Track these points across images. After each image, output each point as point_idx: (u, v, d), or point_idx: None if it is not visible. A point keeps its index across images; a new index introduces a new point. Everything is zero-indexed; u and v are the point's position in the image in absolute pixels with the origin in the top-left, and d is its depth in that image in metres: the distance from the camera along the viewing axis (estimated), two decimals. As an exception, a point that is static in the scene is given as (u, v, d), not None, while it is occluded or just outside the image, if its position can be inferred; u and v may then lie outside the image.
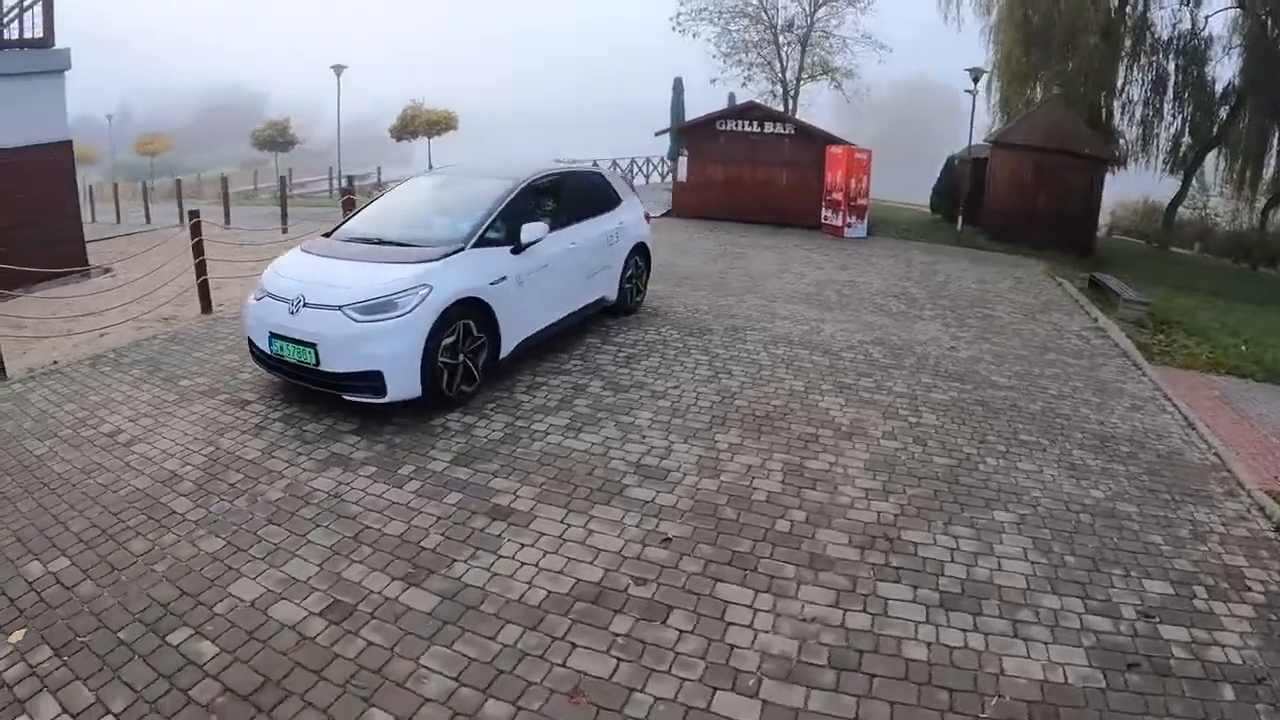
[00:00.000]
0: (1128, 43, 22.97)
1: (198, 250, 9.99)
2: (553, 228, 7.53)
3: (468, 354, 6.38)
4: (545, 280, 7.29)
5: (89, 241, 14.59)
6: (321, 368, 5.97)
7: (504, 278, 6.63)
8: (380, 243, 6.85)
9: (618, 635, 3.86)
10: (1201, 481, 5.99)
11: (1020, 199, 18.47)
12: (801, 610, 4.10)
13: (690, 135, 20.00)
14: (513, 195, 7.31)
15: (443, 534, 4.69)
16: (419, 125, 24.67)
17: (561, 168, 8.69)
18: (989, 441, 6.29)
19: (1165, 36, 23.06)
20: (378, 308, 5.85)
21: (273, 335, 6.20)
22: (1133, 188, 26.05)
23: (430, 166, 23.44)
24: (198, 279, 9.76)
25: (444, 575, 4.30)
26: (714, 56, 25.78)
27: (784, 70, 25.99)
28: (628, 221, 9.19)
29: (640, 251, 9.52)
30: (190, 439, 5.99)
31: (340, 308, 5.92)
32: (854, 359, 8.14)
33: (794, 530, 4.86)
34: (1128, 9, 22.76)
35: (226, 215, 19.91)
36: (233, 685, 3.53)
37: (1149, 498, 5.62)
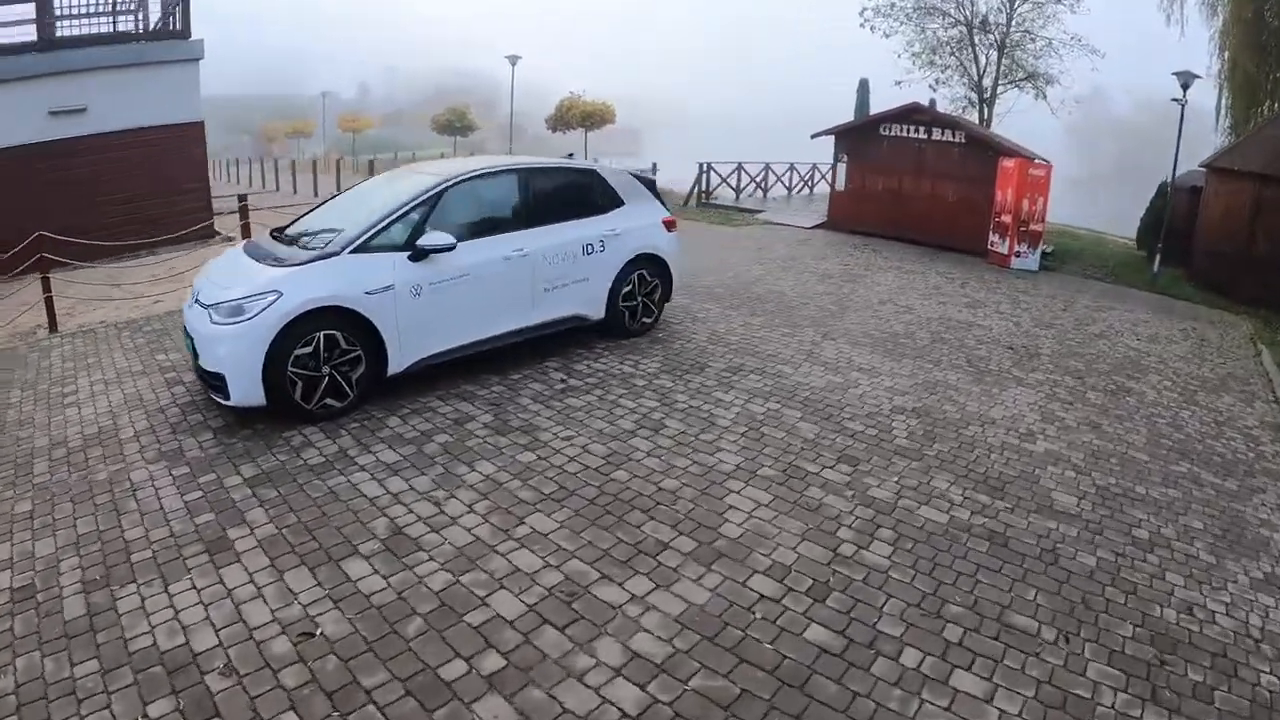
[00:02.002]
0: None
1: (244, 232, 9.79)
2: (496, 231, 6.38)
3: (336, 367, 5.45)
4: (466, 292, 6.02)
5: (254, 209, 15.52)
6: (199, 363, 5.53)
7: (389, 287, 5.56)
8: (292, 242, 6.11)
9: None
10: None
11: (1234, 239, 13.54)
12: None
13: (850, 140, 16.87)
14: (424, 197, 6.00)
15: (152, 553, 4.01)
16: (573, 117, 23.78)
17: (522, 164, 6.92)
18: (943, 631, 3.53)
19: None
20: (231, 311, 5.26)
21: (185, 328, 5.97)
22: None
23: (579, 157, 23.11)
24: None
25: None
26: (899, 56, 22.39)
27: (980, 74, 21.77)
28: (628, 228, 7.20)
29: (649, 264, 7.43)
30: (104, 411, 5.96)
31: (209, 308, 5.44)
32: (858, 432, 5.56)
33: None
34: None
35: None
36: None
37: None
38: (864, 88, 20.74)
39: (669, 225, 7.79)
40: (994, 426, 5.98)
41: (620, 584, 3.71)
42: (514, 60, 26.55)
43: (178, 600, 3.61)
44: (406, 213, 5.88)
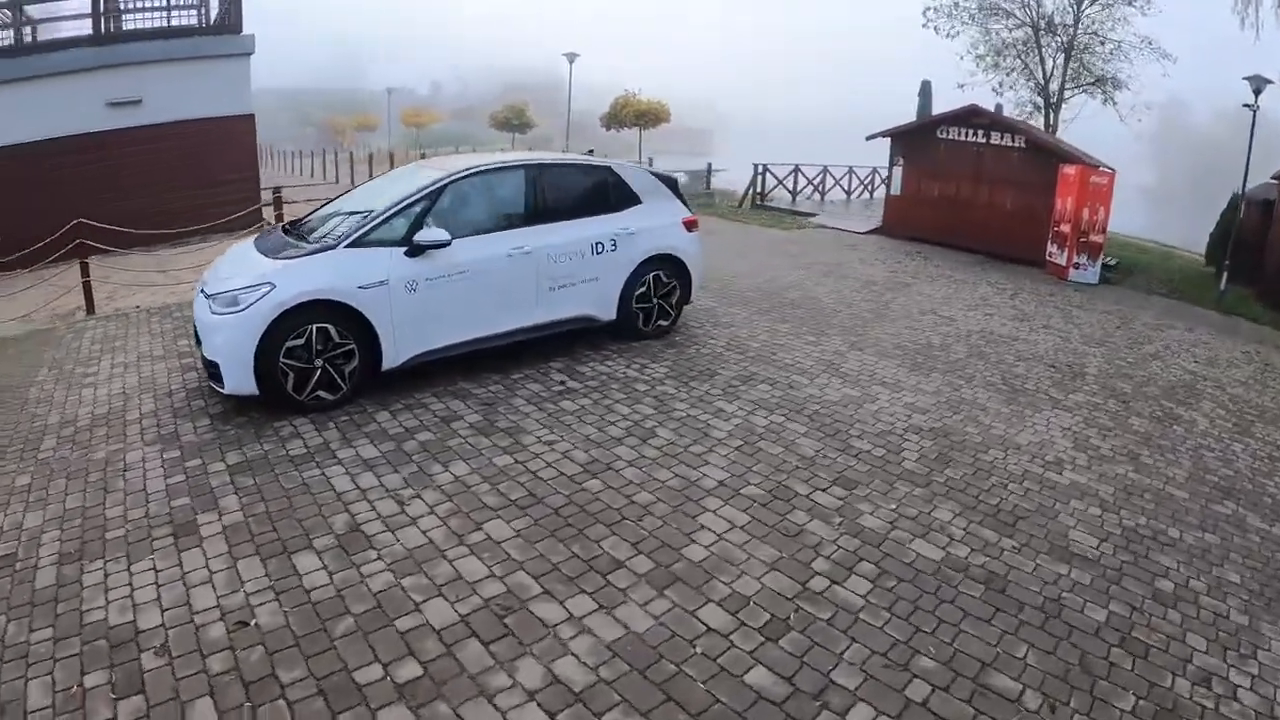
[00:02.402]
0: None
1: (277, 223, 9.89)
2: (499, 228, 6.23)
3: (329, 360, 5.40)
4: (465, 288, 5.88)
5: (289, 202, 15.82)
6: (201, 351, 5.65)
7: (383, 282, 5.47)
8: (300, 236, 6.06)
9: None
10: None
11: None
12: None
13: (906, 142, 15.96)
14: (424, 193, 5.87)
15: (125, 532, 4.07)
16: (628, 116, 23.29)
17: (531, 160, 6.71)
18: (906, 688, 3.09)
19: None
20: (227, 302, 5.28)
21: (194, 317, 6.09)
22: None
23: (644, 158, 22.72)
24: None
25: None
26: (962, 58, 21.14)
27: (1047, 78, 20.31)
28: (644, 227, 6.91)
29: (667, 264, 7.12)
30: (118, 393, 6.10)
31: (210, 298, 5.47)
32: (863, 452, 5.10)
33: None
34: None
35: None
36: None
37: None
38: (926, 90, 19.75)
39: (690, 225, 7.45)
40: (1018, 452, 5.41)
41: (561, 602, 3.44)
42: (572, 58, 26.36)
43: (136, 579, 3.65)
44: (405, 208, 5.77)
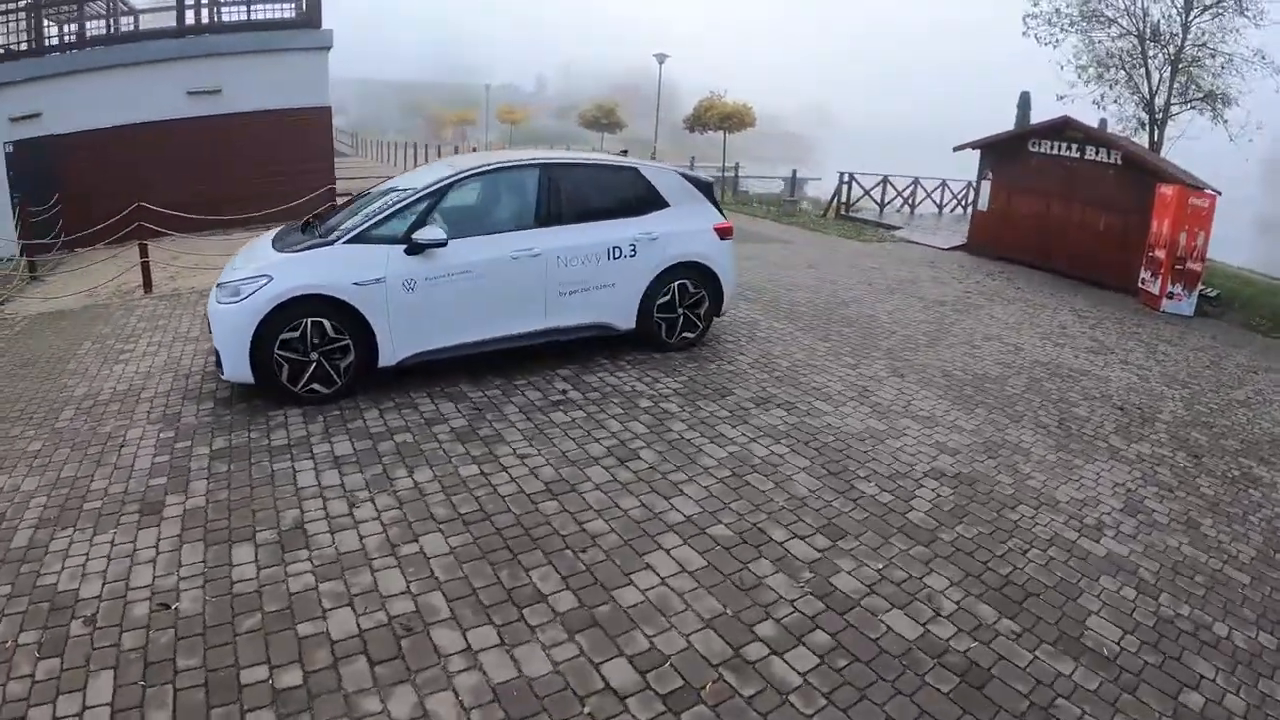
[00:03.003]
0: None
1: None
2: (507, 229, 5.97)
3: (325, 354, 5.34)
4: (467, 289, 5.68)
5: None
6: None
7: (380, 279, 5.36)
8: (314, 230, 6.05)
9: None
10: None
11: None
12: None
13: (996, 155, 14.56)
14: (429, 190, 5.73)
15: (100, 504, 4.18)
16: (711, 118, 22.36)
17: (546, 159, 6.39)
18: None
19: None
20: (230, 292, 5.32)
21: None
22: None
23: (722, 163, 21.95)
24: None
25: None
26: (1062, 67, 19.09)
27: (1153, 93, 18.06)
28: (669, 233, 6.47)
29: (693, 273, 6.64)
30: (145, 370, 6.37)
31: (218, 286, 5.56)
32: (865, 496, 4.45)
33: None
34: None
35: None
36: None
37: None
38: (1025, 102, 18.11)
39: (722, 233, 6.91)
40: (1052, 511, 4.60)
41: (464, 631, 3.14)
42: (661, 59, 25.84)
43: (94, 550, 3.73)
44: (409, 205, 5.64)
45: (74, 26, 12.34)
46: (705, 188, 6.97)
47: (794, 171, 21.95)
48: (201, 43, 12.89)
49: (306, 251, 5.49)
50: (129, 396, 5.73)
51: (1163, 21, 17.58)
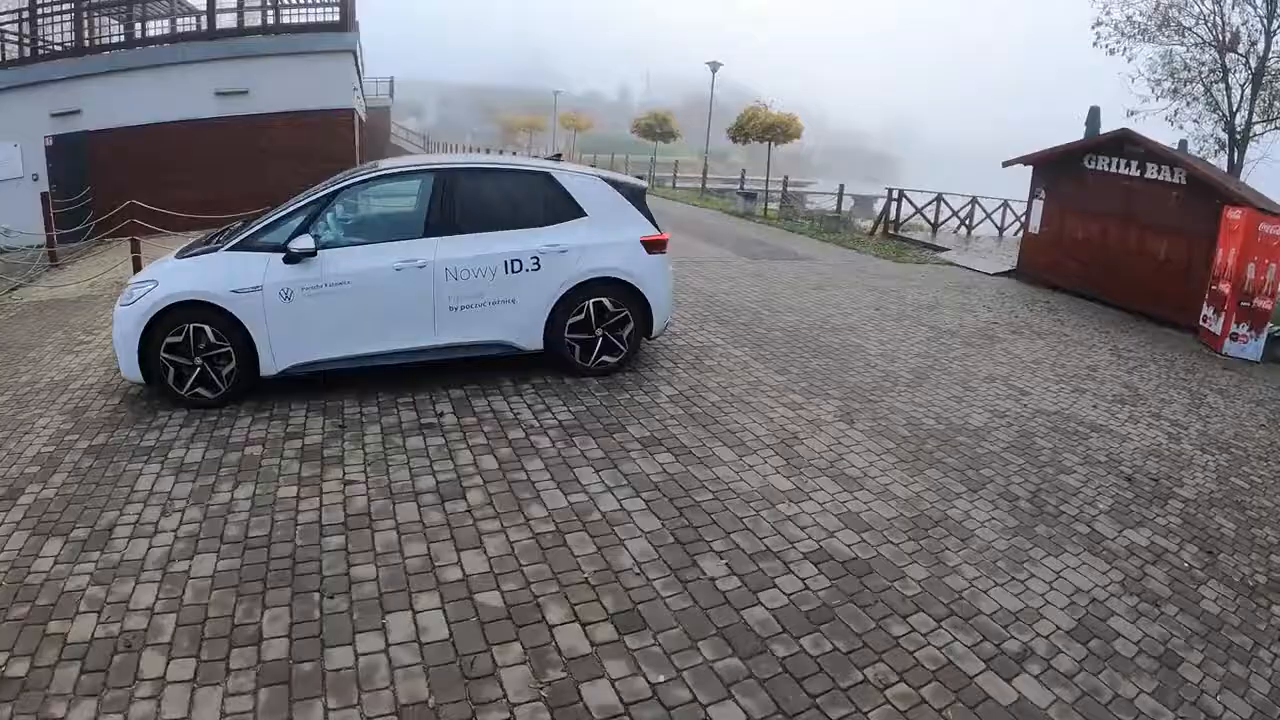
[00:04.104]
0: None
1: None
2: (394, 238, 5.36)
3: (209, 359, 5.08)
4: (347, 301, 5.13)
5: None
6: None
7: (258, 288, 5.00)
8: (225, 235, 5.74)
9: None
10: None
11: None
12: None
13: (1049, 172, 12.51)
14: (315, 197, 5.29)
15: None
16: (754, 129, 20.82)
17: (444, 164, 5.65)
18: None
19: None
20: (126, 295, 5.19)
21: None
22: None
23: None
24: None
25: None
26: (1133, 80, 16.49)
27: (1233, 110, 15.28)
28: (583, 245, 5.52)
29: (614, 290, 5.65)
30: (89, 362, 6.23)
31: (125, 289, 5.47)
32: (696, 581, 3.37)
33: None
34: None
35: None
36: None
37: None
38: (1094, 118, 15.79)
39: (651, 246, 5.81)
40: (962, 627, 3.26)
41: (169, 659, 2.88)
42: (715, 67, 24.68)
43: None
44: (293, 213, 5.23)
45: (120, 27, 12.55)
46: (635, 195, 5.90)
47: (840, 187, 20.29)
48: (230, 45, 12.92)
49: (193, 258, 5.26)
50: (59, 386, 5.63)
51: (1244, 29, 15.11)
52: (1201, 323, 9.73)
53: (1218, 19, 15.18)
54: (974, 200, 19.29)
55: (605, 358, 5.80)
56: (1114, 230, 11.36)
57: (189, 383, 5.05)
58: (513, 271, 5.39)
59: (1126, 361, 8.35)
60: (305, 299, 5.03)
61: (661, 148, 32.08)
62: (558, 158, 6.59)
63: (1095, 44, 16.34)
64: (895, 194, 18.25)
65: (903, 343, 7.84)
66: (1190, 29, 15.46)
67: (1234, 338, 9.16)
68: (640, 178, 5.86)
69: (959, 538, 4.02)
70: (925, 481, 4.62)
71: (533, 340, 5.60)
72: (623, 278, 5.67)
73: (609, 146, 39.24)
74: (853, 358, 7.04)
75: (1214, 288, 9.55)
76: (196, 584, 3.26)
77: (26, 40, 13.09)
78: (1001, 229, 19.70)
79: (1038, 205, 12.83)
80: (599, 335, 5.73)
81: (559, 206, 5.61)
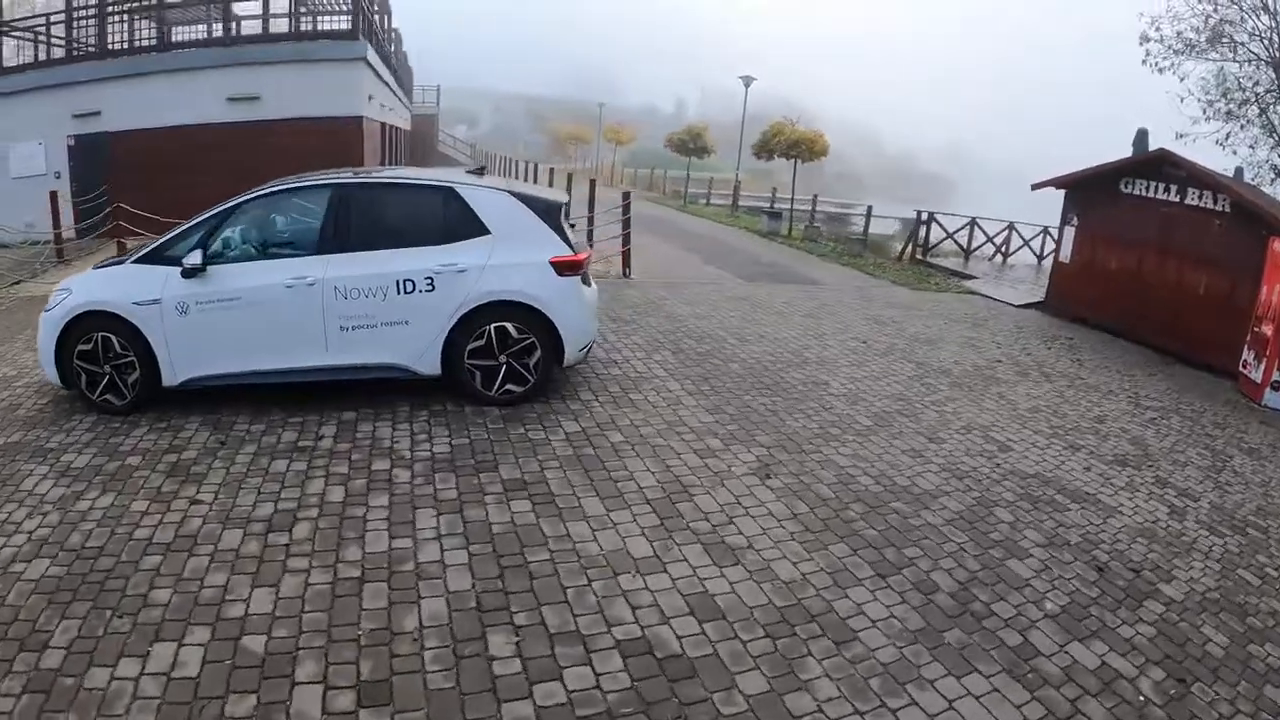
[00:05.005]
0: None
1: None
2: (286, 254, 5.09)
3: (116, 368, 4.94)
4: (239, 318, 4.89)
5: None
6: None
7: (156, 301, 4.84)
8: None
9: None
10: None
11: None
12: None
13: (1081, 196, 11.04)
14: (216, 211, 5.07)
15: None
16: (778, 145, 19.56)
17: (343, 179, 5.29)
18: None
19: None
20: (50, 302, 5.13)
21: None
22: None
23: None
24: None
25: None
26: (1183, 100, 14.45)
27: None
28: (484, 265, 4.91)
29: (518, 315, 4.99)
30: (34, 362, 5.85)
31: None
32: (493, 652, 2.66)
33: None
34: None
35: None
36: None
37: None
38: (1142, 140, 14.04)
39: (563, 267, 5.08)
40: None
41: None
42: (748, 81, 23.55)
43: None
44: (195, 227, 5.03)
45: (153, 30, 12.68)
46: (548, 212, 5.18)
47: (869, 209, 19.04)
48: (243, 52, 12.93)
49: (104, 269, 5.26)
50: (5, 383, 5.62)
51: None
52: (1241, 368, 8.22)
53: (1275, 35, 13.43)
54: (1010, 225, 17.79)
55: (510, 386, 5.10)
56: (1150, 261, 9.92)
57: (99, 389, 4.94)
58: (405, 292, 4.86)
59: (1144, 411, 7.10)
60: (199, 314, 4.84)
61: (705, 164, 31.19)
62: (481, 171, 5.95)
63: (1144, 61, 14.73)
64: (925, 216, 16.97)
65: (877, 381, 6.83)
66: (1244, 45, 13.74)
67: (1275, 387, 7.65)
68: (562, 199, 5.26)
69: (834, 640, 3.10)
70: (824, 560, 3.69)
71: (429, 365, 5.01)
72: (527, 301, 4.97)
73: (651, 161, 38.34)
74: (808, 398, 6.08)
75: (1256, 329, 8.03)
76: (22, 586, 3.20)
77: (59, 41, 13.40)
78: (1041, 257, 18.04)
79: (1069, 232, 11.44)
80: (503, 362, 5.05)
81: (462, 223, 5.00)
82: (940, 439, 5.56)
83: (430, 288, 4.85)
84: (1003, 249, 17.88)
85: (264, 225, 5.18)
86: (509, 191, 5.21)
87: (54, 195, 10.43)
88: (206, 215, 5.06)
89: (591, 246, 12.51)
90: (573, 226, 5.94)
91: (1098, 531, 4.44)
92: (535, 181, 23.93)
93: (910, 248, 17.05)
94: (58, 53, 13.88)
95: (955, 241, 17.34)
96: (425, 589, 3.22)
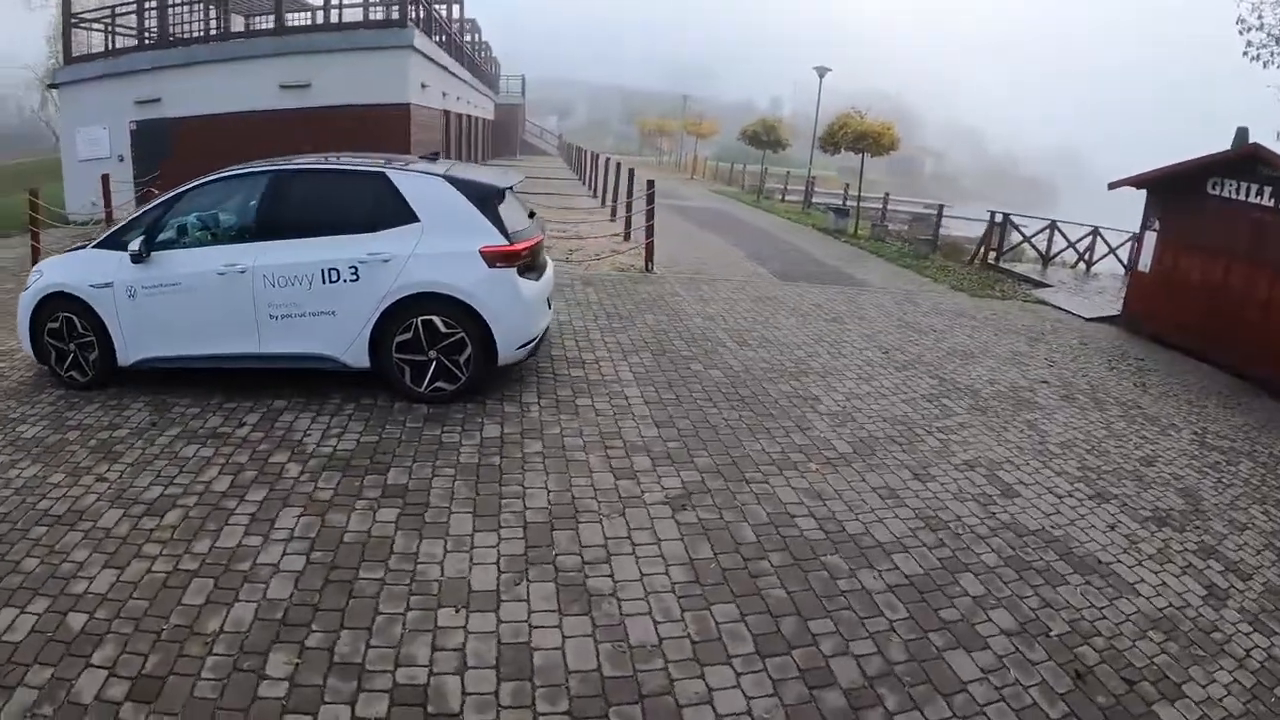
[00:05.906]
0: None
1: None
2: (223, 241, 4.96)
3: (79, 346, 5.00)
4: (178, 303, 4.80)
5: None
6: None
7: (109, 284, 4.84)
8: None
9: None
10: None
11: None
12: None
13: (1164, 198, 9.17)
14: (166, 198, 5.04)
15: None
16: (844, 137, 17.84)
17: (282, 165, 5.06)
18: None
19: None
20: (29, 281, 5.23)
21: None
22: None
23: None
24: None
25: None
26: None
27: None
28: (409, 254, 4.49)
29: (448, 309, 4.54)
30: None
31: None
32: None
33: None
34: None
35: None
36: None
37: None
38: (1241, 140, 11.86)
39: (495, 258, 4.51)
40: None
41: None
42: (822, 72, 21.99)
43: None
44: (146, 213, 5.03)
45: (217, 20, 13.00)
46: (483, 199, 4.60)
47: (940, 209, 17.34)
48: (293, 41, 13.04)
49: (71, 252, 5.32)
50: (5, 355, 5.73)
51: None
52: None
53: None
54: (1095, 231, 15.72)
55: (441, 384, 4.63)
56: (1238, 272, 8.13)
57: (65, 366, 5.02)
58: (330, 281, 4.54)
59: (1207, 453, 5.75)
60: (145, 298, 4.80)
61: (785, 158, 29.75)
62: (435, 156, 5.46)
63: (1245, 53, 12.47)
64: (1000, 218, 15.25)
65: (881, 399, 5.85)
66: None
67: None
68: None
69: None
70: (696, 624, 2.93)
71: (356, 357, 4.66)
72: (453, 294, 4.46)
73: (733, 155, 37.08)
74: (785, 415, 5.22)
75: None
76: None
77: (131, 30, 13.95)
78: (1128, 266, 15.95)
79: (1150, 238, 9.69)
80: (433, 358, 4.59)
81: (391, 211, 4.59)
82: (929, 475, 4.60)
83: (355, 277, 4.49)
84: (1085, 255, 15.87)
85: (207, 213, 5.04)
86: (445, 177, 4.70)
87: (105, 178, 10.86)
88: (156, 202, 5.04)
89: (628, 238, 11.95)
90: (532, 215, 5.37)
91: (1096, 618, 3.38)
92: (607, 173, 23.43)
93: (982, 251, 15.40)
94: (120, 41, 14.56)
95: (1033, 246, 15.52)
96: (245, 593, 2.96)
